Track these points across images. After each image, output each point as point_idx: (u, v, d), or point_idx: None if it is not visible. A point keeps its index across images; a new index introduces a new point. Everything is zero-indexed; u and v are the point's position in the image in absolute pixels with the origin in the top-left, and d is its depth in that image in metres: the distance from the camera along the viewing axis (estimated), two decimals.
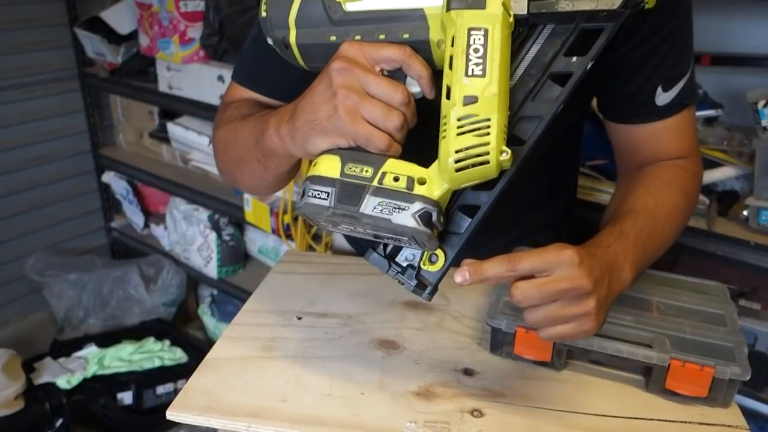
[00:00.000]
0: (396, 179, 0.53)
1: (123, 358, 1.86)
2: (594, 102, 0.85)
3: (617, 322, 0.68)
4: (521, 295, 0.55)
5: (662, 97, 0.73)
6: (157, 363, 1.87)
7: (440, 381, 0.66)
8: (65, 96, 2.28)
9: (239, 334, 0.74)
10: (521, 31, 0.55)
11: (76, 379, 1.74)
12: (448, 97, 0.51)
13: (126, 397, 1.78)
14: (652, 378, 0.64)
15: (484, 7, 0.51)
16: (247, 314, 0.78)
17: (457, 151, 0.50)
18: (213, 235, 2.02)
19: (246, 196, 1.87)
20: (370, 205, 0.53)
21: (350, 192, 0.53)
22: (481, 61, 0.51)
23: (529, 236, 0.92)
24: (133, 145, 2.36)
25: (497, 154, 0.50)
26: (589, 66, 0.53)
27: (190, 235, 2.09)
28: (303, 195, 0.55)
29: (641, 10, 0.52)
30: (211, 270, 2.07)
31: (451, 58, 0.52)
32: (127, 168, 2.28)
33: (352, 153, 0.55)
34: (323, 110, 0.54)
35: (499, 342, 0.69)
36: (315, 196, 0.54)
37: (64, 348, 1.90)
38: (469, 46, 0.51)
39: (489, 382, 0.66)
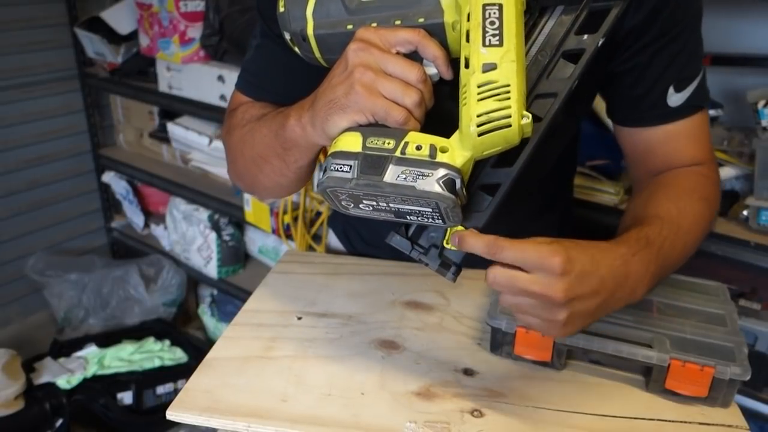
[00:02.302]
0: (419, 148, 0.53)
1: (123, 358, 1.86)
2: (603, 108, 0.85)
3: (617, 322, 0.67)
4: (491, 279, 0.55)
5: (674, 98, 0.73)
6: (157, 363, 1.87)
7: (440, 381, 0.66)
8: (65, 96, 2.28)
9: (239, 334, 0.74)
10: (533, 13, 0.57)
11: (76, 379, 1.74)
12: (467, 67, 0.52)
13: (126, 397, 1.78)
14: (652, 378, 0.64)
15: None
16: (247, 314, 0.78)
17: (479, 116, 0.50)
18: (213, 235, 2.02)
19: (246, 195, 1.87)
20: (393, 174, 0.52)
21: (373, 163, 0.53)
22: (497, 32, 0.51)
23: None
24: (133, 145, 2.36)
25: (519, 117, 0.50)
26: (600, 43, 0.55)
27: (190, 235, 2.09)
28: (325, 171, 0.55)
29: None
30: (211, 270, 2.07)
31: (467, 32, 0.53)
32: (127, 168, 2.28)
33: (373, 129, 0.55)
34: (341, 89, 0.55)
35: (499, 342, 0.69)
36: (337, 170, 0.54)
37: (64, 348, 1.90)
38: (485, 19, 0.52)
39: (489, 382, 0.66)
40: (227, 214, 2.00)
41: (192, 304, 2.36)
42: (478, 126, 0.51)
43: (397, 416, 0.61)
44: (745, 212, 1.21)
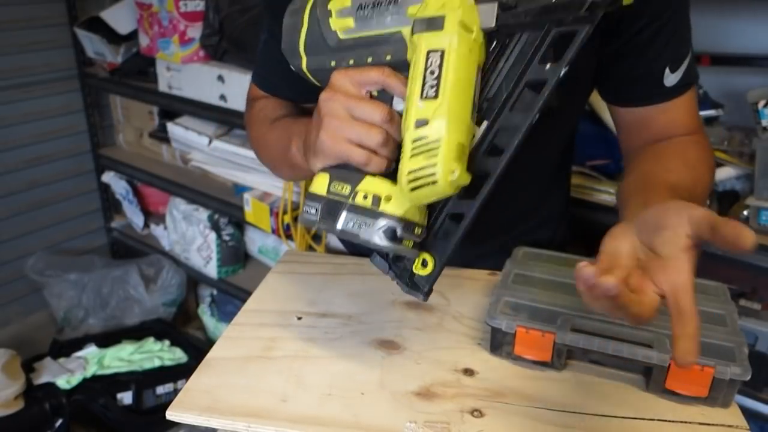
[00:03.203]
0: (365, 197, 0.56)
1: (123, 358, 1.86)
2: (603, 107, 0.86)
3: (617, 322, 0.67)
4: None
5: (670, 78, 0.75)
6: (157, 363, 1.87)
7: (440, 381, 0.66)
8: (65, 96, 2.28)
9: (239, 334, 0.74)
10: (497, 43, 0.55)
11: (76, 379, 1.74)
12: (405, 120, 0.54)
13: (126, 397, 1.78)
14: (652, 378, 0.64)
15: (441, 29, 0.52)
16: (247, 314, 0.78)
17: (409, 172, 0.52)
18: (213, 235, 2.02)
19: (246, 195, 1.87)
20: (344, 221, 0.56)
21: (331, 209, 0.58)
22: (435, 82, 0.52)
23: (529, 234, 0.92)
24: (133, 145, 2.36)
25: (446, 174, 0.51)
26: (563, 73, 0.52)
27: (190, 235, 2.09)
28: (302, 209, 0.61)
29: (618, 8, 0.51)
30: (211, 270, 2.07)
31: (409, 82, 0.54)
32: (127, 168, 2.29)
33: (339, 171, 0.58)
34: (313, 135, 0.60)
35: (499, 342, 0.69)
36: (307, 212, 0.60)
37: (64, 348, 1.91)
38: (426, 68, 0.52)
39: (489, 382, 0.66)
40: (227, 214, 2.00)
41: (192, 304, 2.36)
42: (409, 183, 0.52)
43: (397, 416, 0.61)
44: (745, 212, 1.21)
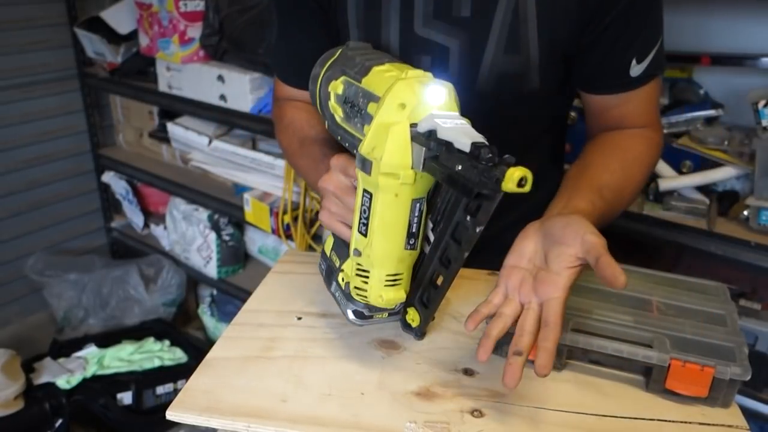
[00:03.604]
0: (343, 279, 0.66)
1: (123, 358, 1.86)
2: None
3: (617, 322, 0.67)
4: None
5: (635, 69, 0.77)
6: (156, 363, 1.87)
7: (440, 381, 0.66)
8: (65, 96, 2.28)
9: (239, 334, 0.74)
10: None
11: (75, 379, 1.74)
12: (350, 242, 0.63)
13: (126, 397, 1.78)
14: (652, 378, 0.64)
15: (369, 174, 0.56)
16: (247, 314, 0.78)
17: (354, 287, 0.63)
18: (213, 235, 2.02)
19: (246, 195, 1.87)
20: (334, 289, 0.68)
21: (329, 273, 0.70)
22: (366, 222, 0.59)
23: (519, 223, 0.92)
24: (133, 145, 2.37)
25: (375, 299, 0.62)
26: (478, 230, 0.53)
27: (189, 235, 2.09)
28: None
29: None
30: (211, 270, 2.07)
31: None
32: (127, 168, 2.29)
33: (338, 240, 0.68)
34: (320, 207, 0.71)
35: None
36: (320, 265, 0.73)
37: (64, 348, 1.91)
38: (361, 205, 0.59)
39: (489, 382, 0.66)
40: (227, 214, 2.00)
41: (192, 304, 2.36)
42: (356, 295, 0.63)
43: (397, 416, 0.61)
44: (745, 212, 1.22)
